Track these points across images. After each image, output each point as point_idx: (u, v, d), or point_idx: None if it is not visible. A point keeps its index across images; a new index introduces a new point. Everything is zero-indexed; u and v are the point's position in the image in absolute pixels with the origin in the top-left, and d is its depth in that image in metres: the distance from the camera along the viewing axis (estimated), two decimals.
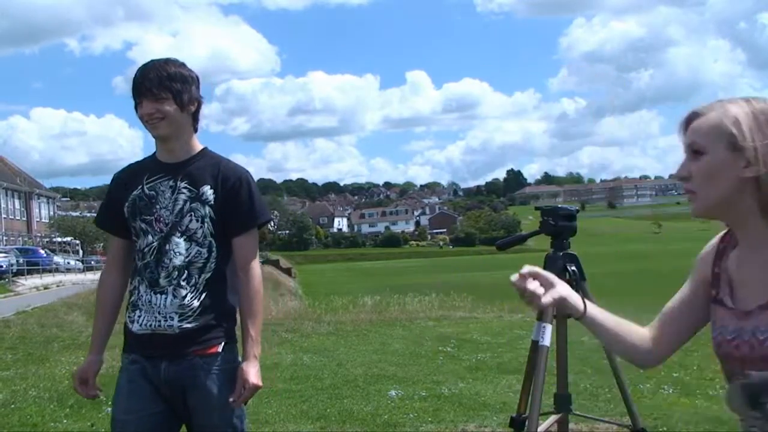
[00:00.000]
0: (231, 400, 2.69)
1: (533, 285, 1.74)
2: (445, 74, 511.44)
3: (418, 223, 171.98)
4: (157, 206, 2.76)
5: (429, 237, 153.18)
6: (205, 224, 2.74)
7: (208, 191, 2.75)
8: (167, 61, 2.75)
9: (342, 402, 6.70)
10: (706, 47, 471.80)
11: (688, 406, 6.27)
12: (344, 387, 7.36)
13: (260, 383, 2.71)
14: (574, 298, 1.81)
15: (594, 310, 1.82)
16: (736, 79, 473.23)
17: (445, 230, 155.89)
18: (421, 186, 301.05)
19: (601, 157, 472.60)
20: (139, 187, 2.81)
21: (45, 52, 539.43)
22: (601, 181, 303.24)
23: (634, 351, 1.84)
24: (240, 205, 2.77)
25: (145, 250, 2.76)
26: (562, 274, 3.14)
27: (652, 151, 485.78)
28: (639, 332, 1.85)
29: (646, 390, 6.86)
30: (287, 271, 68.96)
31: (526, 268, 1.76)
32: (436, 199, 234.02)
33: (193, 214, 2.74)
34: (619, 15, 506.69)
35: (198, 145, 2.85)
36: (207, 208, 2.74)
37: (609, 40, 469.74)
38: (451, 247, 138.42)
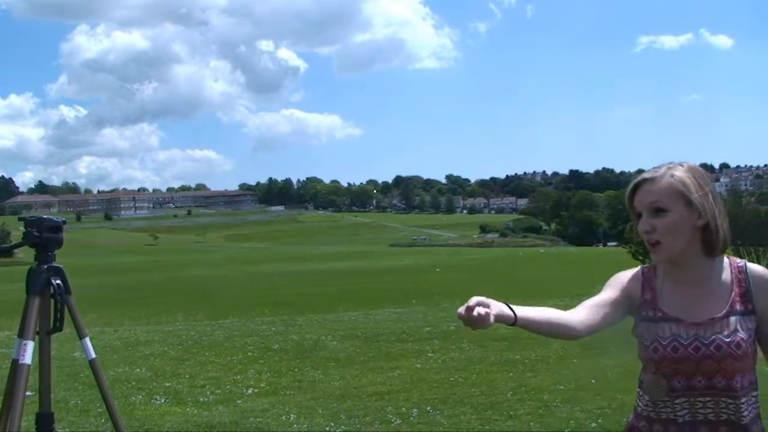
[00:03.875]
0: None
1: (481, 310, 1.86)
2: None
3: None
4: None
5: None
6: None
7: None
8: None
9: None
10: (208, 67, 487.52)
11: (179, 415, 6.42)
12: None
13: None
14: (505, 309, 1.96)
15: (522, 312, 1.99)
16: (234, 100, 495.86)
17: None
18: None
19: (100, 167, 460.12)
20: None
21: None
22: (99, 192, 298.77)
23: (567, 330, 2.09)
24: None
25: None
26: (46, 287, 3.03)
27: (151, 163, 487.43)
28: (564, 315, 2.10)
29: (138, 401, 6.90)
30: None
31: (474, 300, 1.88)
32: None
33: None
34: (124, 26, 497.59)
35: None
36: None
37: (113, 50, 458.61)
38: None
